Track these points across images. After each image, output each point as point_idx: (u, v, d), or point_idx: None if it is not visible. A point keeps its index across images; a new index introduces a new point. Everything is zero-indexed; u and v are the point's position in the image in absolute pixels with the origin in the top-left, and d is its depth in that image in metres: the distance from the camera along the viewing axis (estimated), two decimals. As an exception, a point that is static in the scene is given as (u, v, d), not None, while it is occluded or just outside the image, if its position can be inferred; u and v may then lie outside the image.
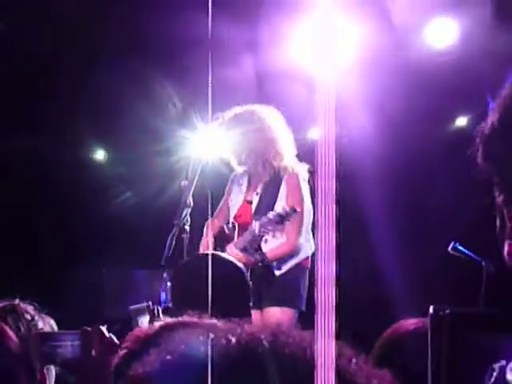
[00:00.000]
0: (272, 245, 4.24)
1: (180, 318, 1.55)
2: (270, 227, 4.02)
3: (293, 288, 4.26)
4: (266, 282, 4.18)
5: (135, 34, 5.50)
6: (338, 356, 0.81)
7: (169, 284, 3.85)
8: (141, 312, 3.47)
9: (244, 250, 4.12)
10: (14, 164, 6.33)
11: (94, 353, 1.75)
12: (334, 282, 0.78)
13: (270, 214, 4.03)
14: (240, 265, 4.02)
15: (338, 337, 0.79)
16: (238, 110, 4.37)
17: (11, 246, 6.20)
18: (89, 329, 1.77)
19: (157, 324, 1.55)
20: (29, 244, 6.44)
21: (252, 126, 4.33)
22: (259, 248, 4.12)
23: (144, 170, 6.55)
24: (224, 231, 4.41)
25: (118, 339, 1.76)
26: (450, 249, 4.74)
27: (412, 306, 3.62)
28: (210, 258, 4.02)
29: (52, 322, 2.07)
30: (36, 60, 5.65)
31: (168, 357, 0.90)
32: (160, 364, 0.90)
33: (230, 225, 4.40)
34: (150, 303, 3.48)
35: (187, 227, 4.13)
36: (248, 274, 4.00)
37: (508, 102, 1.20)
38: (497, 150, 1.20)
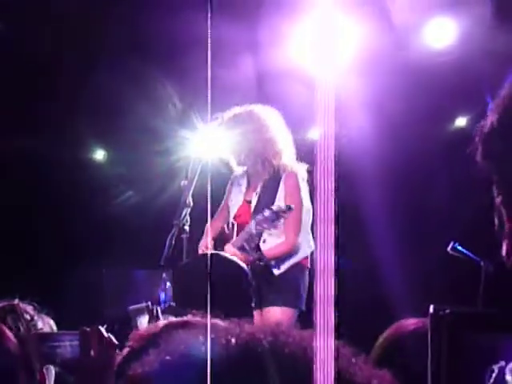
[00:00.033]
0: (271, 244, 4.24)
1: (184, 318, 1.55)
2: (265, 225, 4.02)
3: (292, 288, 4.26)
4: (265, 281, 4.18)
5: (135, 34, 5.50)
6: (338, 356, 0.80)
7: (168, 284, 3.86)
8: (140, 312, 3.47)
9: (241, 248, 4.11)
10: (14, 164, 6.33)
11: (92, 353, 1.75)
12: (333, 273, 0.78)
13: (265, 212, 4.03)
14: (243, 265, 4.03)
15: (337, 336, 0.79)
16: (237, 110, 4.38)
17: (11, 245, 6.20)
18: (87, 329, 1.77)
19: (161, 323, 1.56)
20: (29, 244, 6.44)
21: (251, 126, 4.33)
22: (257, 247, 4.12)
23: (144, 170, 6.55)
24: (225, 231, 4.42)
25: (117, 339, 1.76)
26: (449, 249, 4.75)
27: (411, 306, 3.63)
28: (213, 257, 4.03)
29: (51, 322, 2.07)
30: (36, 60, 5.65)
31: (167, 357, 0.90)
32: (159, 364, 0.90)
33: (230, 225, 4.41)
34: (149, 303, 3.48)
35: (187, 227, 4.14)
36: (250, 274, 4.02)
37: (507, 102, 1.20)
38: (496, 148, 1.20)
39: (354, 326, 2.05)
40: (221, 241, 4.36)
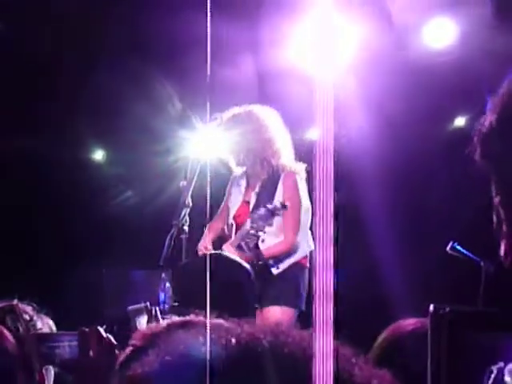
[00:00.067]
0: (269, 244, 4.24)
1: (187, 317, 1.55)
2: (260, 222, 4.02)
3: (292, 287, 4.26)
4: (264, 280, 4.18)
5: (135, 34, 5.50)
6: (338, 356, 0.80)
7: (167, 284, 3.86)
8: (139, 312, 3.47)
9: (239, 247, 4.12)
10: (14, 164, 6.33)
11: (91, 353, 1.75)
12: (332, 268, 0.78)
13: (260, 210, 4.03)
14: (246, 264, 4.03)
15: (337, 336, 0.79)
16: (236, 110, 4.38)
17: (11, 245, 6.20)
18: (86, 330, 1.77)
19: (164, 322, 1.55)
20: (29, 244, 6.44)
21: (250, 126, 4.33)
22: (255, 246, 4.12)
23: (143, 170, 6.55)
24: (225, 232, 4.43)
25: (117, 340, 1.76)
26: (448, 249, 4.75)
27: (411, 306, 3.62)
28: (215, 257, 4.03)
29: (51, 322, 2.07)
30: (36, 60, 5.65)
31: (167, 357, 0.90)
32: (159, 364, 0.90)
33: (229, 225, 4.41)
34: (148, 304, 3.48)
35: (186, 227, 4.14)
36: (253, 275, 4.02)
37: (506, 101, 1.20)
38: (495, 148, 1.20)
39: (353, 326, 2.05)
40: (220, 241, 4.37)
